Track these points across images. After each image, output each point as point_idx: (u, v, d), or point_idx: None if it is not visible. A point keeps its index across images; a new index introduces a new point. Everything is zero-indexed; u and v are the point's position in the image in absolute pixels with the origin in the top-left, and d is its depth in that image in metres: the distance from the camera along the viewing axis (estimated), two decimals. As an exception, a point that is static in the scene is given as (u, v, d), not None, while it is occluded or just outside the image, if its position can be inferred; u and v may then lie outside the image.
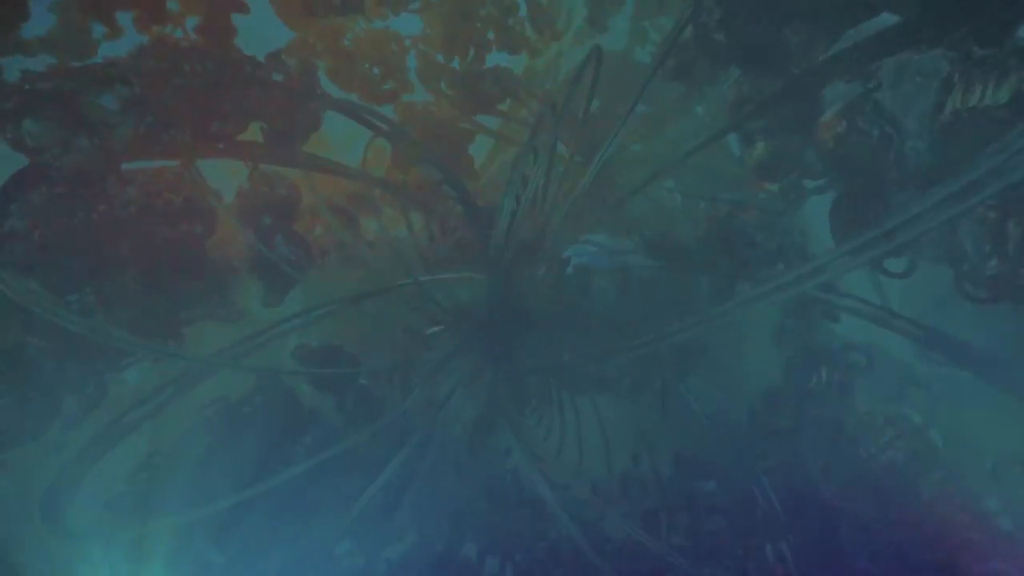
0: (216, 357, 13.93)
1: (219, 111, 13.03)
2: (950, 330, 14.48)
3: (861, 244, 10.42)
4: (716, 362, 16.82)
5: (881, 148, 12.60)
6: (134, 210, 12.80)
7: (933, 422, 14.80)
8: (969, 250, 11.95)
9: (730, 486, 15.79)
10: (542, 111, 15.87)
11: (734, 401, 16.98)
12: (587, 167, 16.62)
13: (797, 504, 15.17)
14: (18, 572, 13.35)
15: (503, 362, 16.42)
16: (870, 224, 11.34)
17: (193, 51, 12.67)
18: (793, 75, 12.97)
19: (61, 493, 12.93)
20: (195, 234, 13.39)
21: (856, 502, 14.46)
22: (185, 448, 13.58)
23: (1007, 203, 11.54)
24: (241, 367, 14.16)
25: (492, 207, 17.08)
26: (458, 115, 16.98)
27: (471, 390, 16.23)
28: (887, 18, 12.11)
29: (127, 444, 13.57)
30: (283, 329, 15.00)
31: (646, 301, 17.39)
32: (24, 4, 11.07)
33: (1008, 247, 11.44)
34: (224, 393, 14.69)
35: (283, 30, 15.69)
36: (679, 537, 15.40)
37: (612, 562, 14.23)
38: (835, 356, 14.86)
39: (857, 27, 12.47)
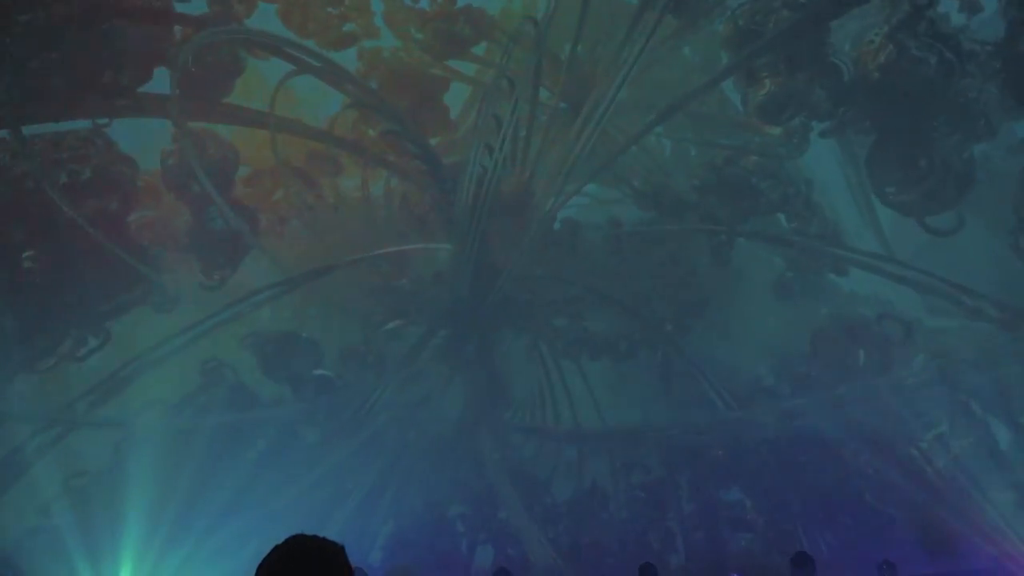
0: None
1: (109, 56, 10.99)
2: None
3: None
4: (717, 321, 15.58)
5: (940, 78, 11.11)
6: (29, 186, 10.87)
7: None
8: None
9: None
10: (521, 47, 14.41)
11: (739, 362, 15.80)
12: (573, 115, 15.18)
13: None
14: None
15: (483, 338, 15.29)
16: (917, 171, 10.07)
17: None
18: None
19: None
20: (110, 211, 11.44)
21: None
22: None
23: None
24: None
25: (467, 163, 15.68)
26: (429, 61, 15.38)
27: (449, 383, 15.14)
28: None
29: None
30: (230, 315, 13.38)
31: (639, 257, 16.13)
32: None
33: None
34: (161, 396, 13.08)
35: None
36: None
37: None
38: (870, 329, 13.56)
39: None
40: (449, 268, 15.29)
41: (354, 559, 2.11)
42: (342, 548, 2.04)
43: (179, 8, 11.87)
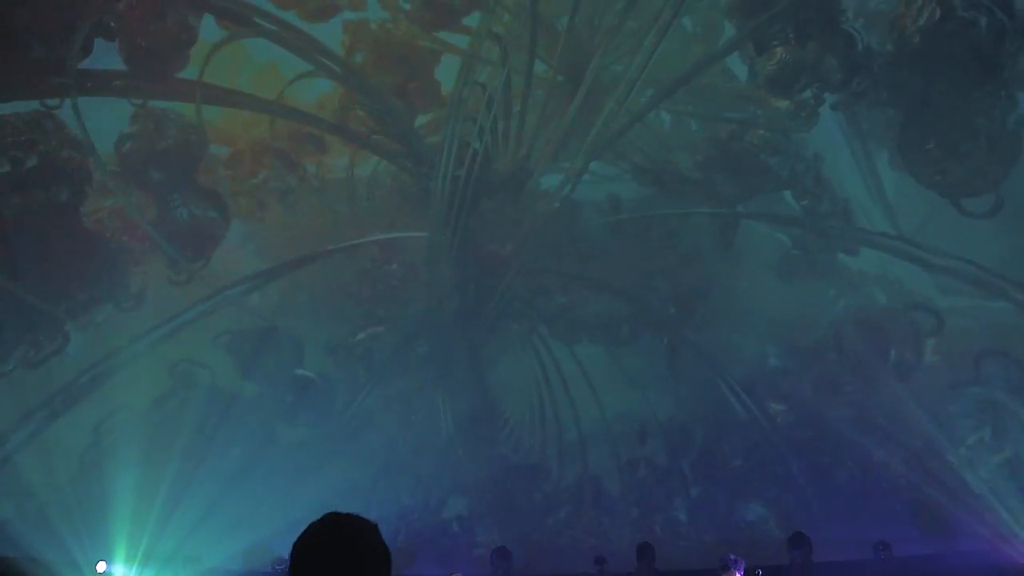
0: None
1: (36, 28, 10.12)
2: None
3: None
4: (718, 301, 14.96)
5: (989, 42, 10.34)
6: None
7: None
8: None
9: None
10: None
11: (743, 343, 15.24)
12: (571, 88, 14.45)
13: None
14: None
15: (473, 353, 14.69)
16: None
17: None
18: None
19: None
20: (59, 203, 10.75)
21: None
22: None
23: None
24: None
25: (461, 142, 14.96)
26: (418, 32, 14.59)
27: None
28: None
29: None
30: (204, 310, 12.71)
31: (641, 236, 15.48)
32: None
33: None
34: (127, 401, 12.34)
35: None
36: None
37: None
38: (898, 319, 12.94)
39: None
40: (427, 260, 14.71)
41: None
42: (376, 526, 2.00)
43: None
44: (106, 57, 11.19)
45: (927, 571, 11.39)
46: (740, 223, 14.47)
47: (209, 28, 12.99)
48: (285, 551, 10.72)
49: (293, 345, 13.47)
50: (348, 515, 2.00)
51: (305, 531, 1.95)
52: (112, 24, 10.83)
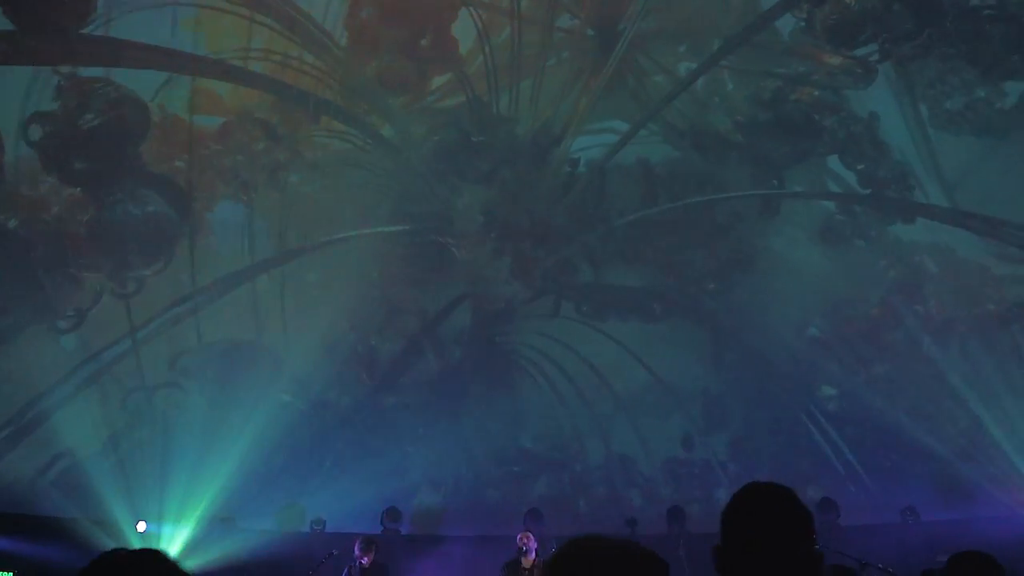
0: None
1: None
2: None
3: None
4: (763, 280, 14.01)
5: None
6: None
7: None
8: None
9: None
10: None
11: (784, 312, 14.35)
12: (600, 44, 13.20)
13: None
14: None
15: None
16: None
17: None
18: None
19: None
20: None
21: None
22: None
23: None
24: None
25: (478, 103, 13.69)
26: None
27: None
28: None
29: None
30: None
31: (674, 204, 14.42)
32: None
33: None
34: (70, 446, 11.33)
35: None
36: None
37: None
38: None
39: None
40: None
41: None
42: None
43: None
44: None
45: (953, 535, 10.87)
46: (785, 188, 13.37)
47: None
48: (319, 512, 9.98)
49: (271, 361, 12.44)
50: (769, 483, 2.13)
51: (744, 493, 2.07)
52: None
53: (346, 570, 9.36)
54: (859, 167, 12.41)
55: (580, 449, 14.56)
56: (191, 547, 10.71)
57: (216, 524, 11.11)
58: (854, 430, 13.66)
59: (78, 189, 10.61)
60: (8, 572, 9.69)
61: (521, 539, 9.19)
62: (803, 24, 12.62)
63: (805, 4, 11.52)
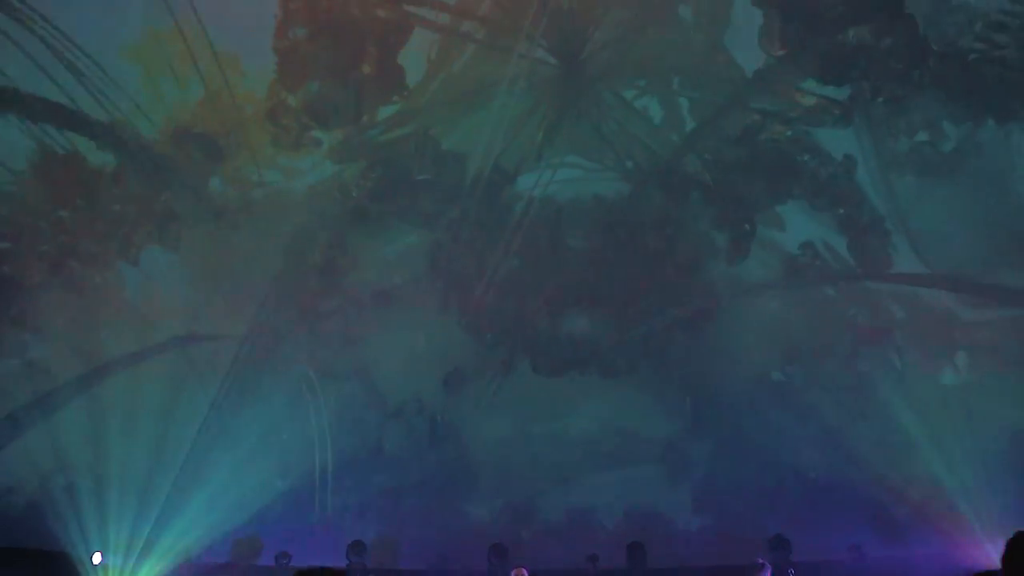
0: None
1: None
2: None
3: None
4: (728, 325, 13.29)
5: None
6: None
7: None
8: None
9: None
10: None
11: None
12: (566, 72, 12.06)
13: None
14: None
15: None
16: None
17: None
18: None
19: None
20: None
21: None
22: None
23: None
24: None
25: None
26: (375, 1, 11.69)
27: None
28: None
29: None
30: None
31: (632, 244, 13.47)
32: None
33: None
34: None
35: None
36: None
37: None
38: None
39: None
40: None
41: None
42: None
43: None
44: None
45: (895, 571, 11.45)
46: (756, 231, 12.62)
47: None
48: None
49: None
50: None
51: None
52: None
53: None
54: (839, 211, 11.69)
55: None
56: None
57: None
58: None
59: None
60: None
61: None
62: (772, 60, 11.86)
63: (796, 35, 10.64)
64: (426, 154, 12.47)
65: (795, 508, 13.00)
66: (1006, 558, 2.64)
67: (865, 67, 10.29)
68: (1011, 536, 2.66)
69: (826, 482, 13.31)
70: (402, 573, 11.70)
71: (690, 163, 12.82)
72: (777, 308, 13.84)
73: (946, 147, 12.64)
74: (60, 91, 10.81)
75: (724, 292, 13.57)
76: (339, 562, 10.61)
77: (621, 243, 13.57)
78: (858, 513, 12.58)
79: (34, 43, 10.42)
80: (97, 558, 10.82)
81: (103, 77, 10.83)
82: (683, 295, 13.61)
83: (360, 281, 12.64)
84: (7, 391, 10.78)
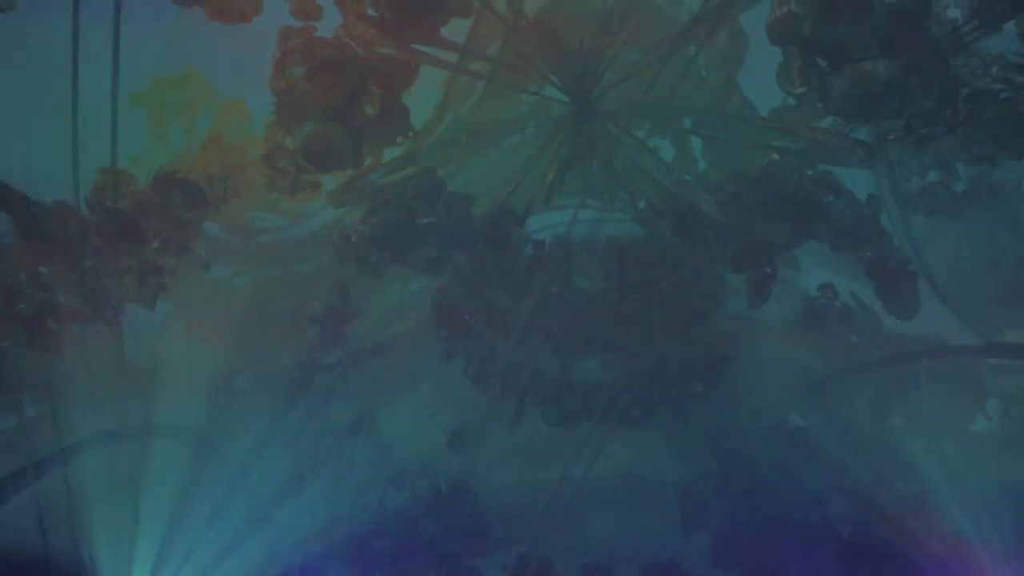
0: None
1: None
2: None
3: None
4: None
5: None
6: None
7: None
8: None
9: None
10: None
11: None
12: (574, 110, 11.52)
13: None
14: None
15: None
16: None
17: None
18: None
19: None
20: None
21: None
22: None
23: None
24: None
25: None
26: (378, 38, 11.08)
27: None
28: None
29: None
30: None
31: (647, 290, 12.93)
32: None
33: None
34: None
35: None
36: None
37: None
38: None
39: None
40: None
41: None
42: None
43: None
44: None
45: None
46: (778, 274, 12.11)
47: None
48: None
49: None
50: None
51: None
52: None
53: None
54: (866, 254, 11.17)
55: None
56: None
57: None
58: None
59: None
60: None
61: None
62: (791, 99, 11.39)
63: (816, 72, 10.14)
64: (431, 196, 11.85)
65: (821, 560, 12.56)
66: None
67: (896, 105, 9.73)
68: None
69: (853, 534, 12.82)
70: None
71: (706, 204, 12.27)
72: (798, 352, 13.39)
73: (958, 187, 12.42)
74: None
75: (742, 336, 13.07)
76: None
77: (634, 285, 13.04)
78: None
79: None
80: None
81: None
82: (700, 339, 13.11)
83: (362, 331, 11.99)
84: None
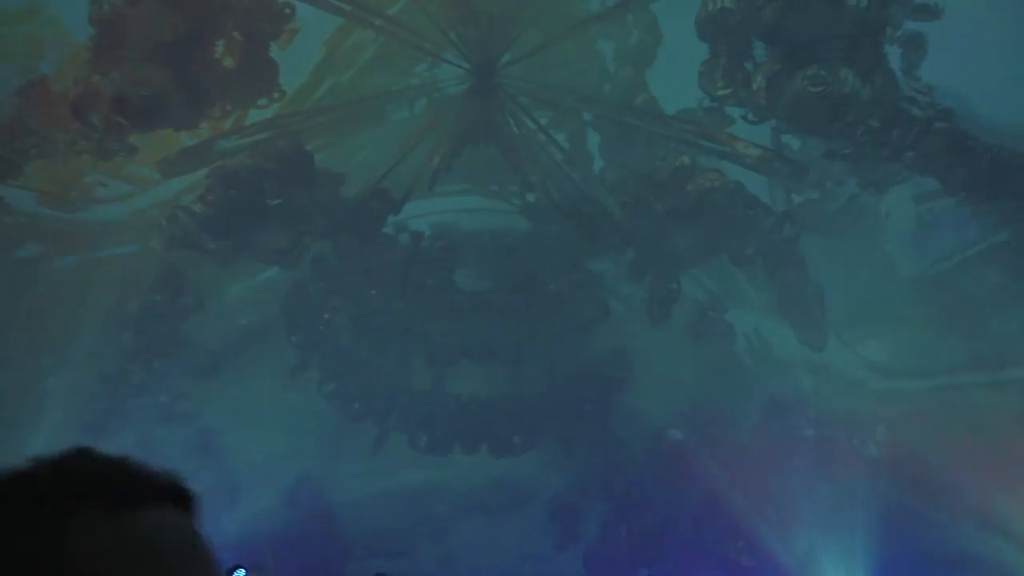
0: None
1: None
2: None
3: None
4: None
5: None
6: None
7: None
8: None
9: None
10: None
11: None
12: (473, 85, 9.77)
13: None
14: None
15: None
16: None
17: None
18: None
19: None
20: None
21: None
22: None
23: None
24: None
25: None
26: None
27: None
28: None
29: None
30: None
31: (533, 292, 11.56)
32: None
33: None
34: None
35: None
36: None
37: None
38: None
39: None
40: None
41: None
42: None
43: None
44: None
45: None
46: (681, 292, 11.15)
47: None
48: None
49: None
50: None
51: None
52: None
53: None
54: (780, 275, 10.38)
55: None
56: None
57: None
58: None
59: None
60: None
61: None
62: (709, 101, 10.28)
63: (742, 73, 9.03)
64: (293, 172, 9.58)
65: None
66: None
67: (851, 116, 8.80)
68: None
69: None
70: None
71: (607, 204, 10.95)
72: (686, 367, 12.53)
73: (831, 206, 11.93)
74: None
75: (633, 349, 12.01)
76: None
77: (519, 286, 11.55)
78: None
79: None
80: None
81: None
82: (586, 349, 11.89)
83: (193, 337, 9.57)
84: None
